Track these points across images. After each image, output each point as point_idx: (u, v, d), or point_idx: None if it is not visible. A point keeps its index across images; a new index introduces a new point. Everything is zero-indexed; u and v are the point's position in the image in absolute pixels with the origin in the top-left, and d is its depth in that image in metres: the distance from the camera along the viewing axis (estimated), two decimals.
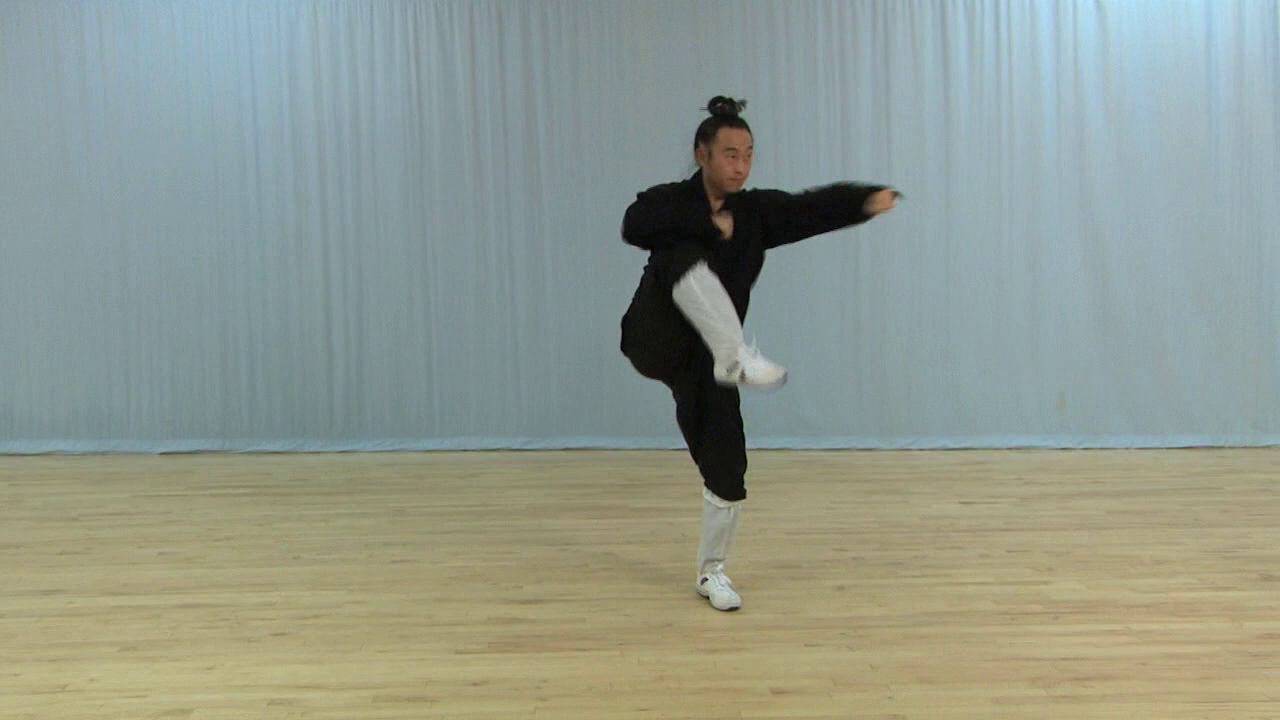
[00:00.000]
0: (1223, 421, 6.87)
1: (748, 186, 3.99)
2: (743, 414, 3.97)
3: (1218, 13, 6.80)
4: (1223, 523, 5.06)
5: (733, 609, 3.89)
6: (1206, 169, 6.85)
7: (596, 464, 6.58)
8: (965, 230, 6.92)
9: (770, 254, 4.01)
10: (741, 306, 3.95)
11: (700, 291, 3.53)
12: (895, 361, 6.97)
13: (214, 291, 7.02)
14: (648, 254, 3.88)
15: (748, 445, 3.97)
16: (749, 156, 3.84)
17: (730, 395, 3.90)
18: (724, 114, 3.87)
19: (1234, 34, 6.81)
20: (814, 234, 4.00)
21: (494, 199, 7.00)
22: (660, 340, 3.77)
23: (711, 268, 3.62)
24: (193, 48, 6.95)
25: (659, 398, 4.11)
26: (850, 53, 6.92)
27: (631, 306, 3.90)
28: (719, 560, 4.02)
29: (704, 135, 3.88)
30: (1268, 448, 6.79)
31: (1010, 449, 6.84)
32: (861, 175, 6.85)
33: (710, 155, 3.84)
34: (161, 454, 6.96)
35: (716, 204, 3.88)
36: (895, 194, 3.78)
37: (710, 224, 3.68)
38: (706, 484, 3.95)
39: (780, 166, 6.83)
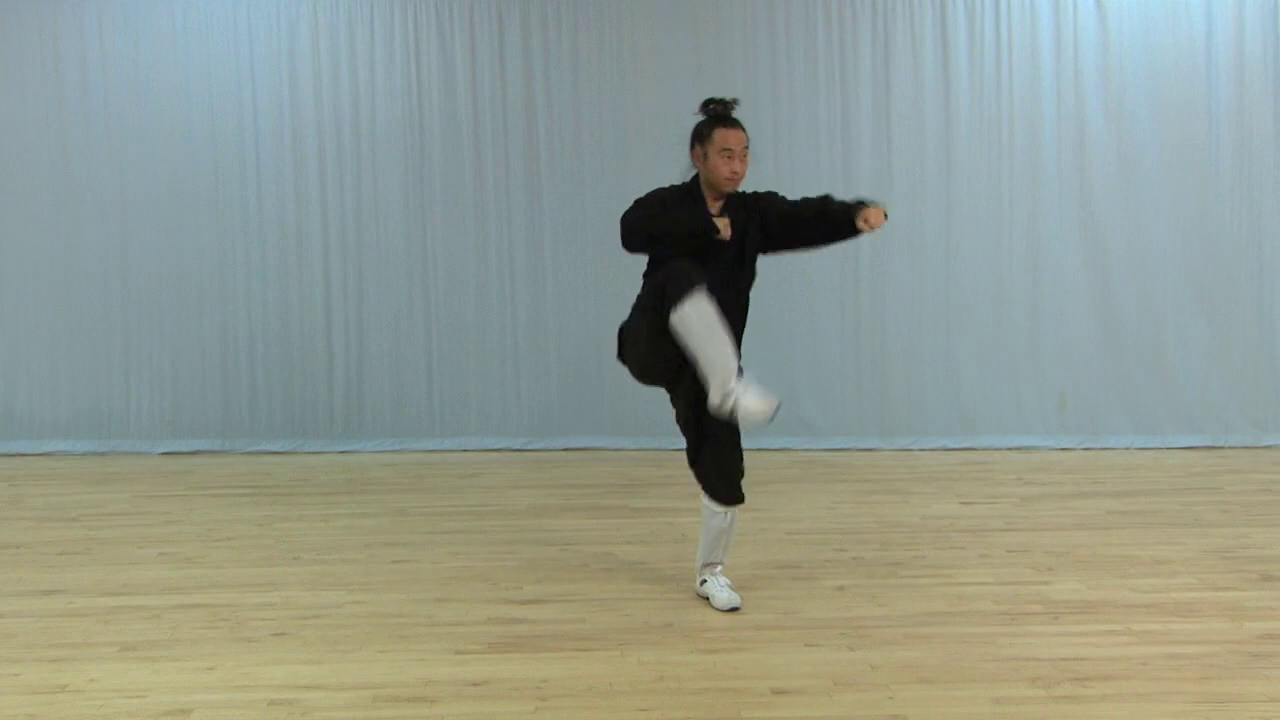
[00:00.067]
0: (1223, 421, 6.87)
1: (746, 188, 4.00)
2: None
3: (1218, 12, 6.80)
4: (1223, 523, 5.06)
5: (733, 609, 3.89)
6: (1207, 168, 6.85)
7: (597, 464, 6.58)
8: (965, 230, 6.92)
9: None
10: (742, 308, 3.95)
11: (696, 319, 3.52)
12: (895, 361, 6.96)
13: (214, 291, 7.02)
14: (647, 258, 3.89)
15: (748, 445, 3.97)
16: (745, 156, 3.84)
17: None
18: (718, 114, 3.86)
19: (1234, 34, 6.81)
20: (814, 245, 3.98)
21: (494, 199, 7.00)
22: (656, 355, 3.76)
23: (710, 287, 3.63)
24: (193, 48, 6.95)
25: (659, 398, 4.11)
26: (850, 53, 6.92)
27: (630, 316, 3.89)
28: (718, 563, 4.02)
29: (699, 137, 3.88)
30: (1268, 448, 6.79)
31: (1010, 449, 6.84)
32: (862, 176, 6.89)
33: (706, 156, 3.84)
34: (162, 454, 6.96)
35: (715, 205, 3.88)
36: (885, 214, 3.76)
37: (708, 222, 3.68)
38: (704, 490, 3.95)
39: (780, 166, 6.83)
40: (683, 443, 4.02)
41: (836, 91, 6.94)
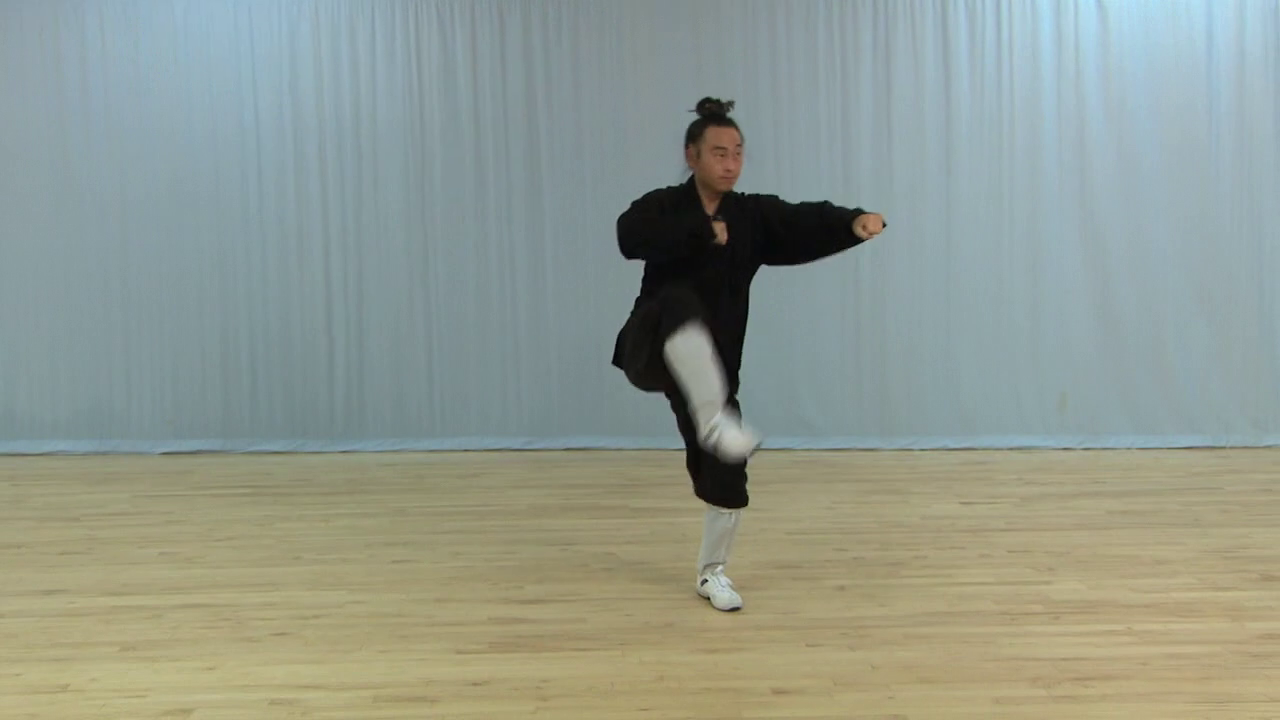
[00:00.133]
0: (1223, 421, 6.87)
1: (744, 189, 3.99)
2: (743, 413, 3.98)
3: (1218, 12, 6.80)
4: (1223, 523, 5.06)
5: (734, 609, 3.89)
6: (1207, 168, 6.85)
7: (597, 464, 6.59)
8: (965, 230, 6.92)
9: None
10: (741, 311, 3.95)
11: (688, 354, 3.52)
12: (895, 361, 6.96)
13: (215, 291, 7.02)
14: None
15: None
16: (738, 155, 3.83)
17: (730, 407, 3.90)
18: (711, 113, 3.86)
19: (1234, 33, 6.81)
20: (814, 254, 3.96)
21: (495, 199, 7.00)
22: (652, 373, 3.74)
23: (708, 291, 3.63)
24: (193, 48, 6.95)
25: (660, 398, 4.11)
26: (851, 53, 6.92)
27: (629, 321, 3.89)
28: (719, 563, 4.02)
29: (692, 136, 3.88)
30: (1268, 448, 6.79)
31: (1011, 449, 6.84)
32: (862, 176, 6.89)
33: (699, 155, 3.85)
34: (162, 454, 6.96)
35: (711, 205, 3.88)
36: (883, 222, 3.75)
37: (705, 228, 3.68)
38: (703, 496, 3.94)
39: (780, 166, 6.85)
40: (683, 443, 4.03)
41: (836, 91, 6.94)
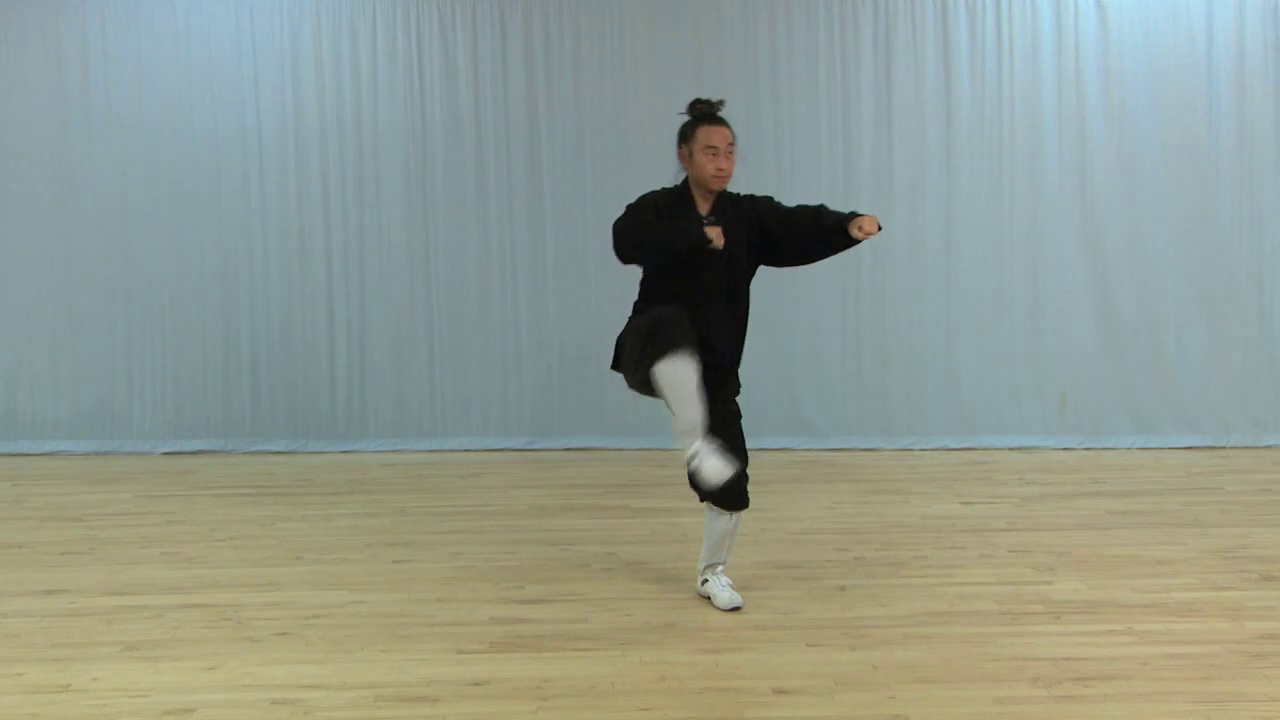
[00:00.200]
0: (1223, 421, 6.87)
1: (744, 190, 3.99)
2: (744, 414, 3.99)
3: (1218, 13, 6.80)
4: (1224, 523, 5.06)
5: (734, 609, 3.90)
6: (1207, 168, 6.84)
7: (598, 464, 6.59)
8: (965, 230, 6.92)
9: None
10: (741, 313, 3.95)
11: (674, 380, 3.60)
12: (896, 361, 6.96)
13: (216, 292, 7.03)
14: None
15: (748, 446, 3.98)
16: (730, 153, 3.83)
17: (730, 411, 3.91)
18: (702, 113, 3.87)
19: (1234, 34, 6.81)
20: (811, 256, 3.97)
21: (496, 198, 7.01)
22: (648, 383, 3.76)
23: (705, 295, 3.68)
24: (195, 48, 6.95)
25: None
26: (851, 52, 6.93)
27: (625, 328, 3.89)
28: (720, 564, 4.03)
29: (684, 136, 3.88)
30: (1268, 448, 6.79)
31: (1011, 449, 6.84)
32: (862, 175, 6.90)
33: (691, 155, 3.85)
34: (164, 454, 6.97)
35: (705, 206, 3.87)
36: (878, 224, 3.76)
37: (701, 237, 3.68)
38: (702, 500, 3.95)
39: (780, 166, 6.85)
40: None
41: (837, 91, 6.94)
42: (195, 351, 7.04)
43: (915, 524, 5.11)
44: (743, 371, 4.04)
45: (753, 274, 3.97)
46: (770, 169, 6.79)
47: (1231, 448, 6.79)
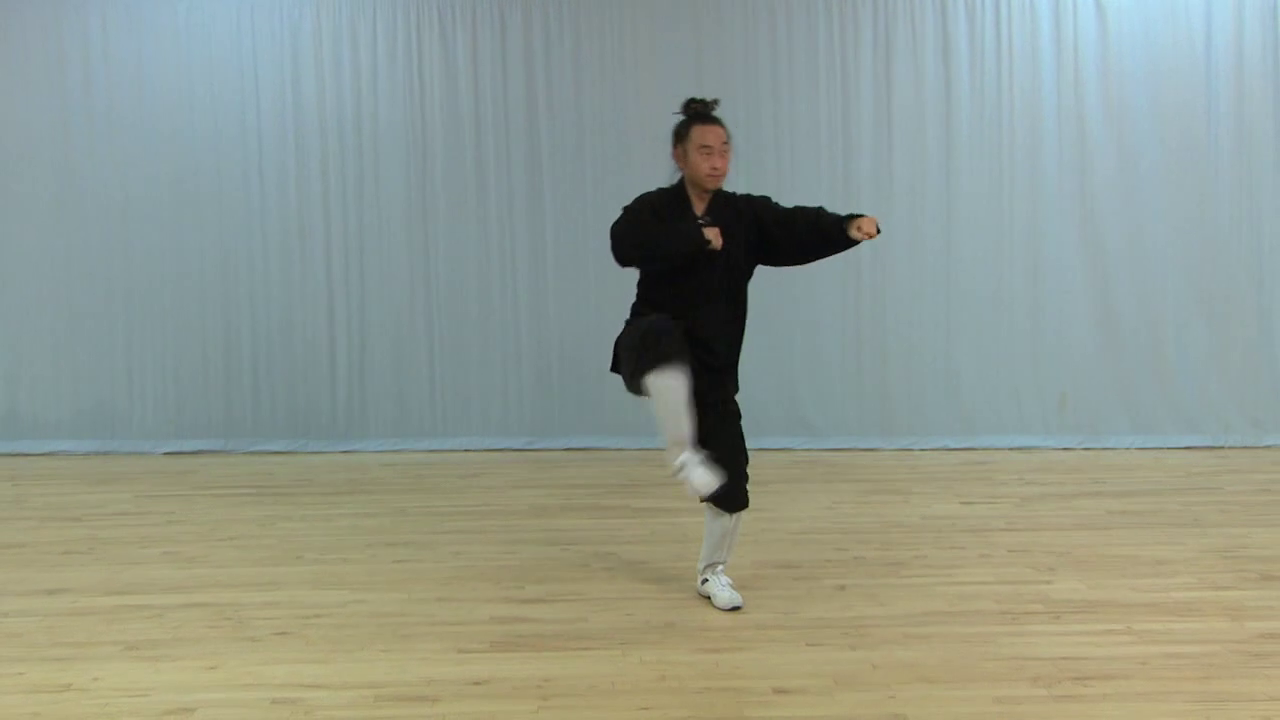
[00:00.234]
0: (1223, 421, 6.87)
1: (744, 190, 3.99)
2: (743, 413, 4.00)
3: (1217, 14, 6.80)
4: (1223, 522, 5.07)
5: (734, 609, 3.90)
6: (1206, 169, 6.85)
7: (598, 464, 6.59)
8: (965, 230, 6.93)
9: None
10: (739, 312, 3.95)
11: (663, 394, 3.65)
12: (895, 361, 6.97)
13: (217, 292, 7.03)
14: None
15: (748, 446, 3.99)
16: (725, 152, 3.83)
17: (730, 411, 3.92)
18: (696, 112, 3.87)
19: (1233, 34, 6.81)
20: (809, 256, 3.97)
21: (496, 199, 7.01)
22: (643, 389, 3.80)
23: (703, 295, 3.73)
24: (196, 49, 6.96)
25: None
26: (851, 53, 6.93)
27: (623, 332, 3.90)
28: (720, 563, 4.03)
29: (678, 136, 3.89)
30: (1268, 448, 6.79)
31: (1011, 449, 6.84)
32: (862, 175, 6.90)
33: (686, 155, 3.85)
34: (165, 454, 6.97)
35: (700, 205, 3.87)
36: (877, 225, 3.77)
37: (700, 238, 3.69)
38: (706, 502, 3.96)
39: (780, 166, 6.86)
40: None
41: (837, 91, 6.95)
42: (196, 351, 7.04)
43: (915, 524, 5.12)
44: (743, 371, 4.05)
45: (751, 274, 3.97)
46: (770, 169, 6.80)
47: (1231, 448, 6.80)
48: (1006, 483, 5.99)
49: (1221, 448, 6.80)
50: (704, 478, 3.71)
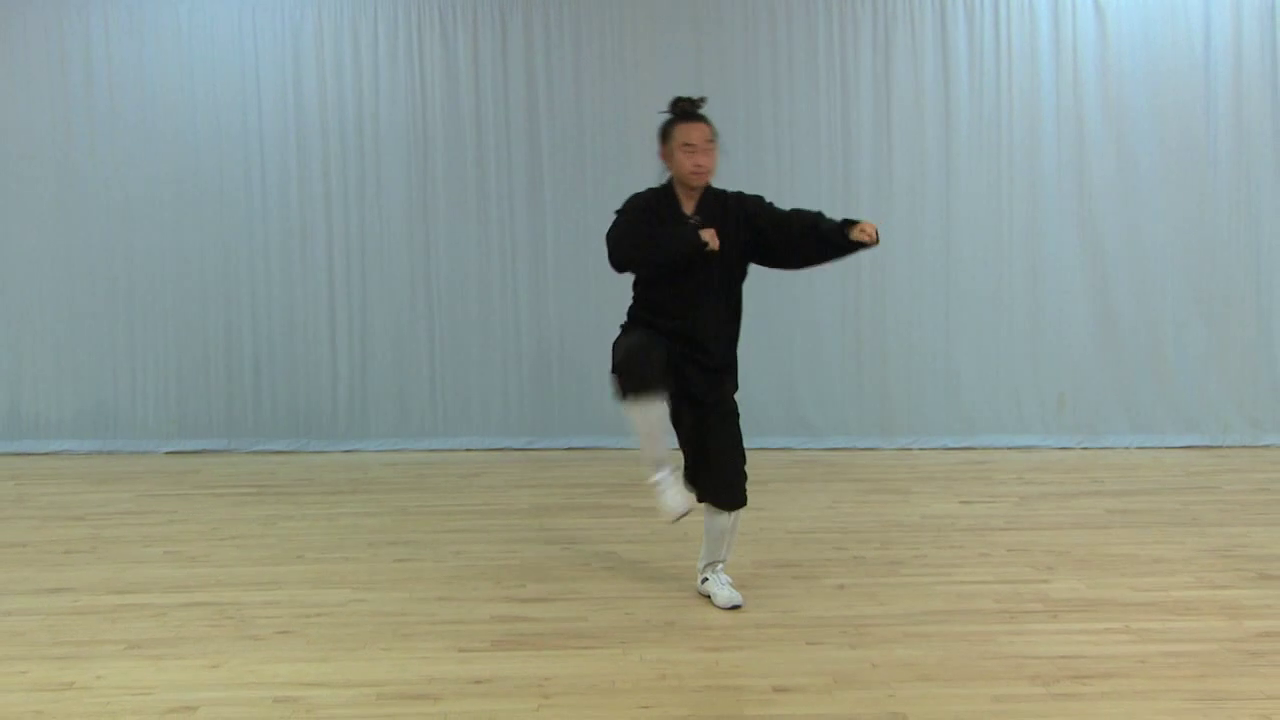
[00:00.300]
0: (1221, 421, 6.88)
1: (744, 190, 4.00)
2: (743, 413, 4.01)
3: (1215, 14, 6.81)
4: (1221, 522, 5.08)
5: (734, 607, 3.91)
6: (1205, 169, 6.86)
7: (599, 463, 6.60)
8: (965, 230, 6.94)
9: None
10: (734, 311, 3.96)
11: (641, 418, 3.78)
12: (895, 361, 6.98)
13: (219, 292, 7.05)
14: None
15: (749, 445, 4.01)
16: (709, 149, 3.83)
17: (728, 410, 3.93)
18: (681, 111, 3.88)
19: (1232, 35, 6.82)
20: (807, 261, 3.98)
21: (497, 199, 7.02)
22: None
23: (697, 295, 3.78)
24: (198, 50, 6.97)
25: None
26: (850, 53, 6.94)
27: (619, 337, 3.93)
28: (720, 561, 4.04)
29: (663, 135, 3.90)
30: (1266, 447, 6.80)
31: (1010, 449, 6.85)
32: (862, 176, 6.92)
33: (671, 154, 3.86)
34: (167, 453, 6.98)
35: (689, 204, 3.88)
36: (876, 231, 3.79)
37: (697, 241, 3.70)
38: (706, 501, 3.97)
39: (781, 166, 6.87)
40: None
41: (836, 91, 6.96)
42: (197, 351, 7.06)
43: (914, 523, 5.13)
44: (743, 371, 4.06)
45: (745, 272, 3.98)
46: (770, 169, 6.81)
47: (1229, 447, 6.81)
48: (1006, 482, 6.00)
49: (1220, 447, 6.81)
50: (674, 500, 3.81)
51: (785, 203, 4.03)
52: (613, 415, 6.90)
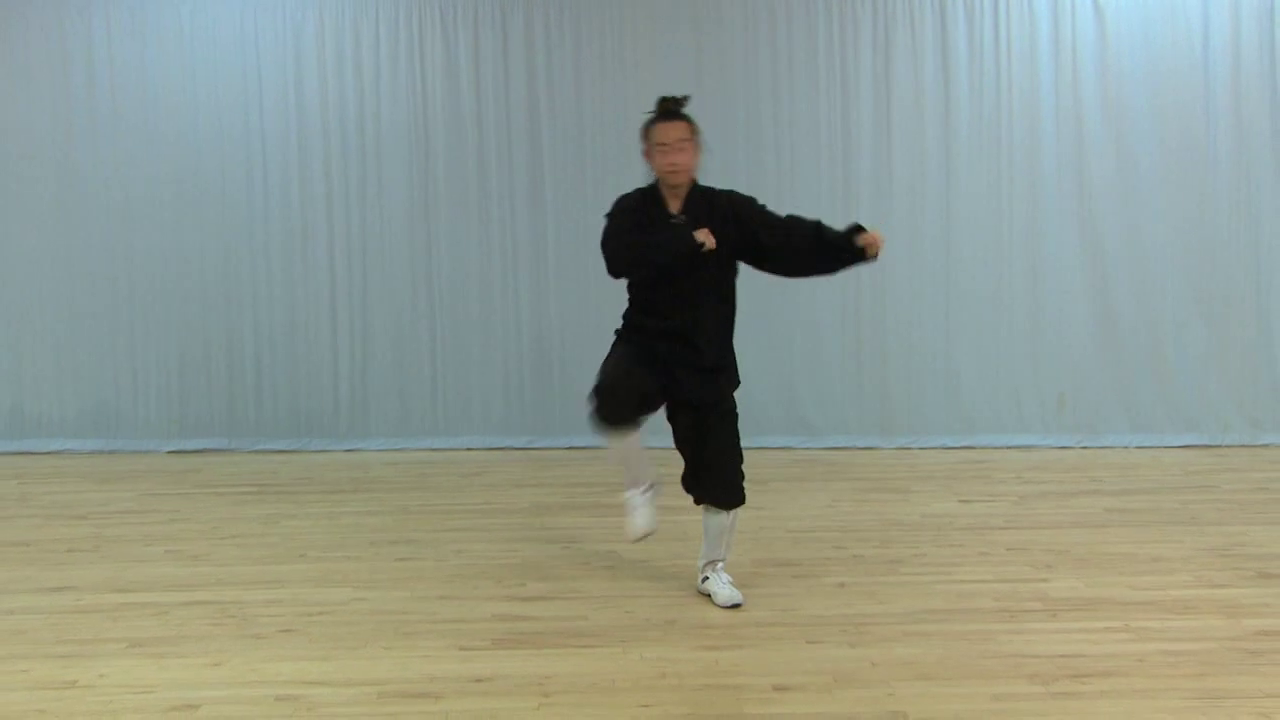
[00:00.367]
0: (1220, 420, 6.89)
1: (744, 190, 4.01)
2: (742, 413, 4.03)
3: (1214, 14, 6.82)
4: (1220, 521, 5.09)
5: (734, 606, 3.93)
6: (1205, 169, 6.87)
7: (599, 463, 6.59)
8: (965, 230, 6.95)
9: None
10: (728, 311, 3.97)
11: (618, 446, 3.93)
12: (895, 361, 6.99)
13: (220, 292, 7.06)
14: None
15: (747, 445, 4.02)
16: (683, 148, 3.83)
17: (726, 410, 3.94)
18: (659, 111, 3.89)
19: (1231, 35, 6.83)
20: (808, 267, 3.97)
21: (498, 199, 7.03)
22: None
23: (692, 295, 3.81)
24: (199, 51, 6.98)
25: None
26: (850, 53, 6.95)
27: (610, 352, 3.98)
28: (719, 560, 4.06)
29: (643, 136, 3.92)
30: (1265, 446, 6.81)
31: (1010, 448, 6.86)
32: (862, 176, 6.92)
33: (650, 154, 3.88)
34: (169, 453, 6.99)
35: (675, 203, 3.89)
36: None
37: (694, 243, 3.71)
38: (704, 502, 3.98)
39: (781, 166, 6.88)
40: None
41: (836, 91, 6.96)
42: (198, 351, 7.07)
43: (914, 522, 5.14)
44: (742, 371, 4.07)
45: (736, 270, 3.98)
46: (770, 169, 6.82)
47: (1228, 446, 6.82)
48: (1005, 481, 6.01)
49: (1219, 446, 6.82)
50: (640, 520, 3.94)
51: (785, 205, 4.04)
52: None
